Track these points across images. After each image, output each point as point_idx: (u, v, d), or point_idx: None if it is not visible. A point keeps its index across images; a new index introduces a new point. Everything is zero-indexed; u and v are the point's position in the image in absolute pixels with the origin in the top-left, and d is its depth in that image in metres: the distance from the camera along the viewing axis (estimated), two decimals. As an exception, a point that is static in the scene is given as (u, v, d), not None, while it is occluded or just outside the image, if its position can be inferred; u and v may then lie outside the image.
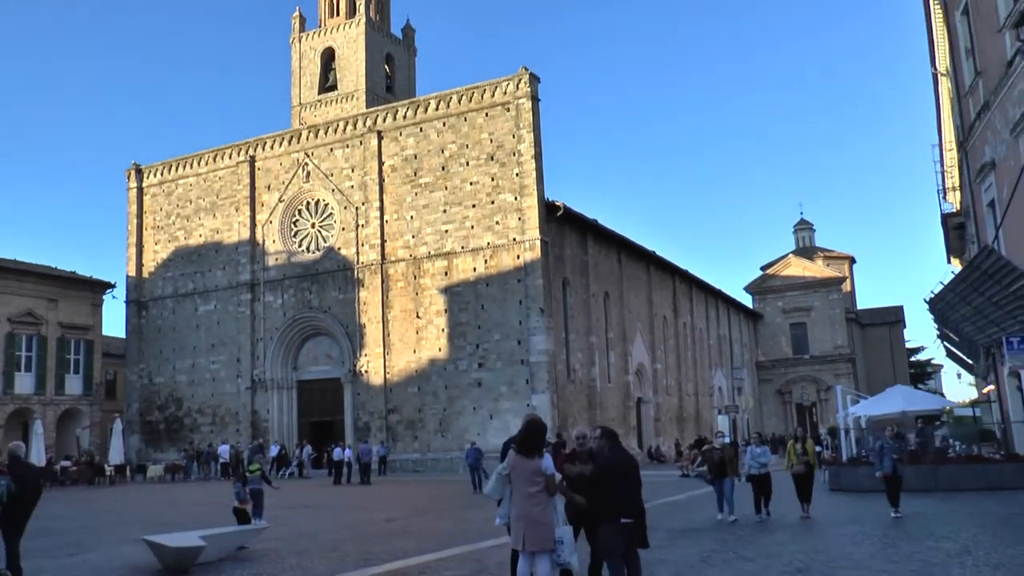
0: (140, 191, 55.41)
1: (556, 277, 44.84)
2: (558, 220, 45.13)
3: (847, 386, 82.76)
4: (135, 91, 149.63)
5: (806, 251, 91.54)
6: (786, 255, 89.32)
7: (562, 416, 43.15)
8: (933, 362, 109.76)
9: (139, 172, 55.59)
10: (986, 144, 24.95)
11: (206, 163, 53.28)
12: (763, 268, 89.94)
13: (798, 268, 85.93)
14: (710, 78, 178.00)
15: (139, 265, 54.68)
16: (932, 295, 29.71)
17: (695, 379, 65.67)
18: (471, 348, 43.93)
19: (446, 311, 44.78)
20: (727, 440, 17.85)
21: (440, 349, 44.68)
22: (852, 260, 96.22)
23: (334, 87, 66.17)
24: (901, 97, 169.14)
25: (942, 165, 50.06)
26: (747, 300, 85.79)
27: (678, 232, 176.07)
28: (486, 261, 44.04)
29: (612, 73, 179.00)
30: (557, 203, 44.17)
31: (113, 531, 18.80)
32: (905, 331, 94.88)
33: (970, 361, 43.55)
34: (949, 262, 52.61)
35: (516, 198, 43.60)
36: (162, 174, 54.87)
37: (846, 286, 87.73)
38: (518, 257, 43.17)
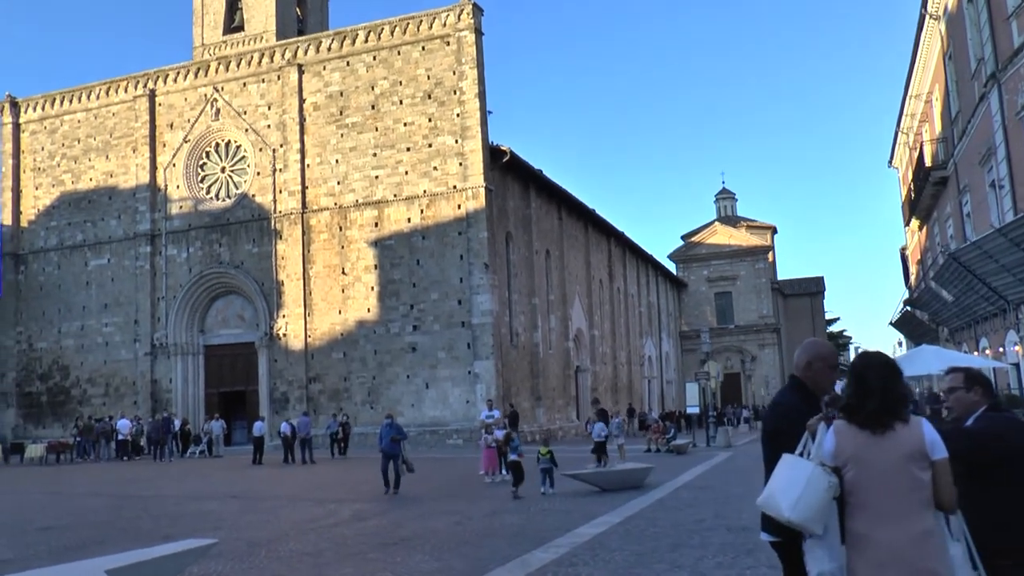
0: (16, 127, 48.20)
1: (499, 230, 40.43)
2: (501, 168, 40.70)
3: (773, 356, 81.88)
4: (5, 11, 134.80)
5: (729, 220, 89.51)
6: (711, 223, 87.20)
7: (506, 386, 38.89)
8: (844, 333, 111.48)
9: (15, 106, 48.35)
10: (1041, 69, 21.65)
11: (97, 97, 46.59)
12: (684, 237, 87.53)
13: (724, 236, 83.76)
14: (656, 27, 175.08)
15: (16, 212, 47.63)
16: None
17: (628, 347, 62.30)
18: (405, 309, 39.21)
19: (376, 267, 39.90)
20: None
21: (369, 310, 39.82)
22: (774, 230, 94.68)
23: (241, 27, 59.85)
24: (826, 65, 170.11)
25: (898, 124, 47.88)
26: (671, 268, 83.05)
27: (603, 193, 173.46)
28: (422, 211, 39.31)
29: (554, 14, 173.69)
30: (503, 148, 39.71)
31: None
32: (824, 302, 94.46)
33: (934, 326, 41.36)
34: (908, 224, 50.44)
35: (457, 141, 38.97)
36: (43, 108, 47.82)
37: (769, 256, 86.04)
38: (459, 207, 38.60)
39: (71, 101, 47.22)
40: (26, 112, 48.33)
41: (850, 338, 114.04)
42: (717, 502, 15.55)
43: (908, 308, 42.55)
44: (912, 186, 43.10)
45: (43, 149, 47.67)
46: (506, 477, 21.93)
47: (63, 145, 47.19)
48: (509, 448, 18.16)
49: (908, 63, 40.78)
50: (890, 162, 53.89)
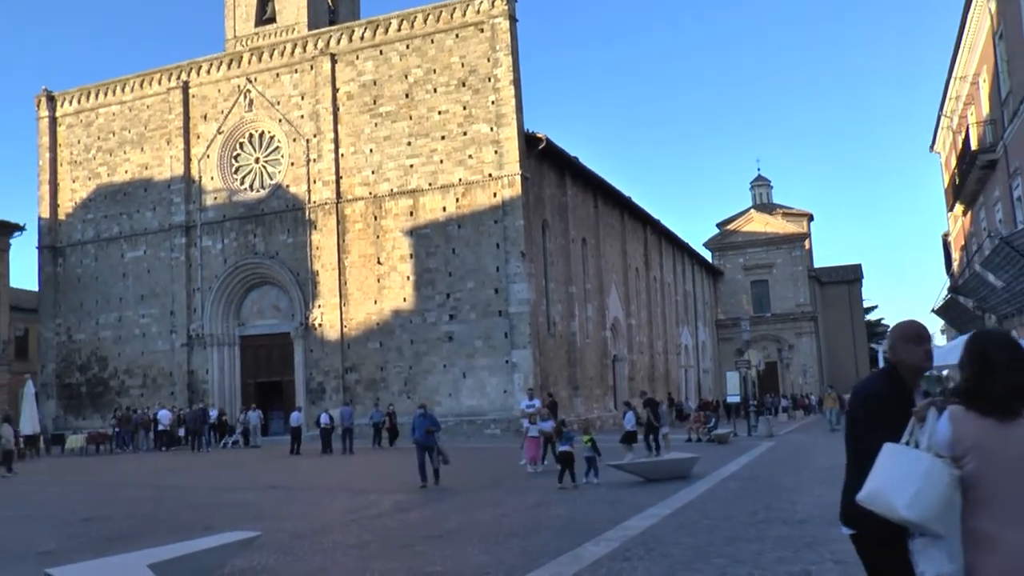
0: (53, 121, 48.42)
1: (535, 219, 40.01)
2: (537, 156, 40.26)
3: (810, 345, 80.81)
4: (41, 6, 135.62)
5: (765, 207, 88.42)
6: (747, 210, 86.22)
7: (543, 375, 38.51)
8: (883, 322, 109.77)
9: (51, 99, 48.53)
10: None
11: (131, 89, 46.65)
12: (719, 225, 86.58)
13: (760, 224, 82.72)
14: (691, 14, 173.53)
15: (53, 205, 47.92)
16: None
17: (664, 336, 61.66)
18: (441, 298, 38.94)
19: (412, 256, 39.66)
20: None
21: (405, 299, 39.59)
22: (810, 217, 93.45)
23: (273, 19, 59.77)
24: (865, 49, 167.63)
25: (941, 108, 46.78)
26: (707, 256, 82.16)
27: (638, 180, 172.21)
28: (458, 199, 38.98)
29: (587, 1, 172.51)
30: (538, 135, 39.27)
31: (5, 538, 13.34)
32: (863, 289, 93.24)
33: (979, 313, 40.39)
34: (951, 209, 49.34)
35: (492, 129, 38.56)
36: (79, 102, 47.99)
37: (806, 243, 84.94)
38: (495, 195, 38.22)
39: (106, 94, 47.29)
40: (62, 106, 48.51)
41: (887, 327, 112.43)
42: (768, 493, 15.08)
43: (952, 295, 41.56)
44: (956, 170, 42.06)
45: (79, 142, 47.87)
46: (549, 467, 21.62)
47: (98, 138, 47.34)
48: (560, 439, 17.80)
49: (952, 45, 39.73)
50: (932, 147, 52.71)
